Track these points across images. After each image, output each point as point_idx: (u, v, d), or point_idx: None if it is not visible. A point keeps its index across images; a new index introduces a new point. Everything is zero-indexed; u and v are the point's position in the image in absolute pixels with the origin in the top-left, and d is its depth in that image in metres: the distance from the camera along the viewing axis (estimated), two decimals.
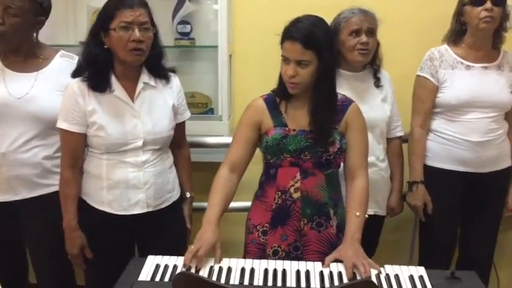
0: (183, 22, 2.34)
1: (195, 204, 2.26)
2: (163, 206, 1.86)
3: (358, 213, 1.62)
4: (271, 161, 1.70)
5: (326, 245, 1.68)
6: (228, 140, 2.29)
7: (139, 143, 1.77)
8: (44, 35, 2.18)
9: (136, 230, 1.85)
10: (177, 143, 1.96)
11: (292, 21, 1.59)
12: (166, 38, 2.33)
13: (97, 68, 1.74)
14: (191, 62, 2.46)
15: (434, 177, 2.15)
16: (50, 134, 1.88)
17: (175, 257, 1.54)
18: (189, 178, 2.01)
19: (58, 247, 1.98)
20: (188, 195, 2.00)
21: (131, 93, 1.78)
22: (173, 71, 1.89)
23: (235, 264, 1.50)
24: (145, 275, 1.44)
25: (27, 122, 1.83)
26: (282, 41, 1.58)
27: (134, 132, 1.76)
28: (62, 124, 1.76)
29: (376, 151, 2.06)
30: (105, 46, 1.72)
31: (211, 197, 1.64)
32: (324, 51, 1.56)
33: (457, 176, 2.12)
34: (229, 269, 1.47)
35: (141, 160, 1.78)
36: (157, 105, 1.81)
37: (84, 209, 1.82)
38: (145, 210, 1.81)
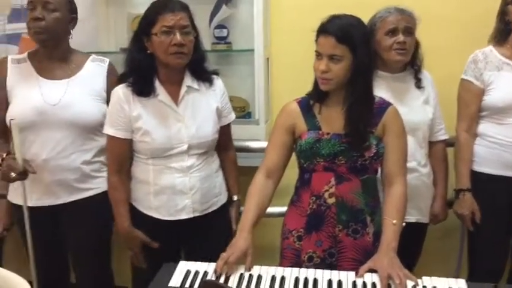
0: (220, 26, 2.34)
1: None
2: (210, 210, 1.86)
3: (394, 221, 1.56)
4: (305, 165, 1.66)
5: (362, 252, 1.62)
6: (265, 144, 2.28)
7: (184, 147, 1.77)
8: (85, 42, 2.25)
9: (182, 234, 1.85)
10: (223, 145, 1.96)
11: (328, 17, 1.56)
12: (204, 42, 2.35)
13: (141, 74, 1.75)
14: (228, 66, 2.45)
15: (482, 183, 2.03)
16: (87, 138, 1.92)
17: (207, 264, 1.53)
18: (236, 181, 2.00)
19: (98, 249, 2.05)
20: (235, 198, 2.00)
21: (175, 97, 1.78)
22: (216, 73, 1.89)
23: (266, 272, 1.47)
24: (175, 281, 1.44)
25: (64, 128, 1.87)
26: (317, 37, 1.56)
27: (178, 136, 1.76)
28: (108, 130, 1.79)
29: (418, 156, 1.97)
30: (148, 51, 1.73)
31: (246, 203, 1.63)
32: (358, 48, 1.52)
33: (506, 182, 2.00)
34: (259, 277, 1.45)
35: (187, 165, 1.78)
36: (201, 109, 1.81)
37: (134, 215, 1.84)
38: (191, 216, 1.82)
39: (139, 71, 1.75)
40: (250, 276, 1.45)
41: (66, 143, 1.88)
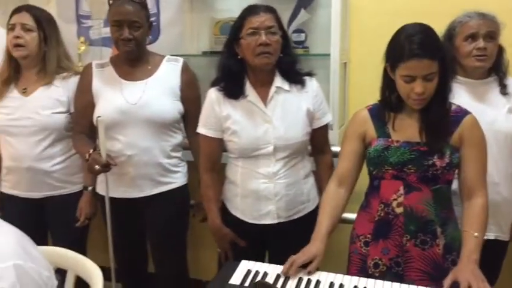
0: (298, 31, 2.35)
1: None
2: (295, 217, 1.87)
3: (476, 234, 1.49)
4: (374, 172, 1.64)
5: (430, 264, 1.57)
6: (339, 149, 2.26)
7: (270, 148, 1.79)
8: (171, 46, 2.36)
9: (267, 238, 1.88)
10: (319, 148, 1.95)
11: (404, 38, 1.50)
12: None
13: (231, 78, 1.82)
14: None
15: None
16: (165, 134, 2.03)
17: (267, 264, 1.55)
18: None
19: (176, 240, 2.15)
20: None
21: (264, 97, 1.81)
22: (310, 74, 1.88)
23: (325, 278, 1.47)
24: (236, 278, 1.47)
25: (144, 125, 1.99)
26: (401, 60, 1.49)
27: (265, 137, 1.79)
28: (200, 129, 1.88)
29: (501, 168, 1.85)
30: (239, 56, 1.79)
31: (319, 213, 1.64)
32: (444, 57, 1.49)
33: None
34: (317, 282, 1.44)
35: (273, 171, 1.80)
36: (290, 110, 1.82)
37: (224, 213, 1.92)
38: (275, 221, 1.84)
39: (230, 75, 1.81)
40: (309, 280, 1.45)
41: (147, 140, 1.99)
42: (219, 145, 1.88)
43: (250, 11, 1.77)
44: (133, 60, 2.04)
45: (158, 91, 2.01)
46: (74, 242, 2.11)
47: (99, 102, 2.02)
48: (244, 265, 1.55)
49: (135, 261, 2.27)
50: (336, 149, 2.23)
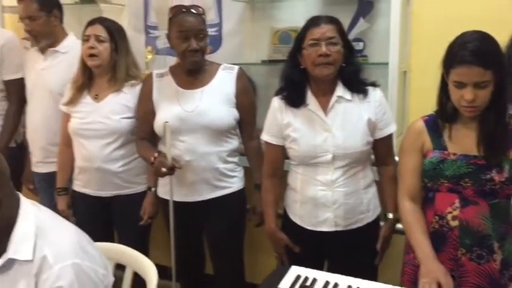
0: (357, 39, 2.35)
1: None
2: (354, 226, 1.85)
3: None
4: (428, 184, 1.62)
5: (486, 279, 1.53)
6: (396, 158, 2.24)
7: (329, 157, 1.80)
8: (231, 54, 2.44)
9: (326, 246, 1.88)
10: (381, 159, 1.93)
11: (458, 44, 1.49)
12: None
13: (293, 87, 1.86)
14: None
15: None
16: (222, 141, 2.08)
17: (317, 271, 1.56)
18: (392, 198, 1.87)
19: (233, 243, 2.21)
20: (390, 216, 1.91)
21: (325, 106, 1.82)
22: (374, 84, 1.88)
23: None
24: (285, 283, 1.49)
25: (201, 132, 2.05)
26: (452, 66, 1.49)
27: (324, 145, 1.80)
28: (264, 136, 1.95)
29: None
30: (301, 67, 1.82)
31: (412, 234, 1.61)
32: (500, 67, 1.46)
33: None
34: None
35: (331, 179, 1.81)
36: (350, 120, 1.82)
37: (285, 219, 1.96)
38: (333, 229, 1.84)
39: (292, 84, 1.85)
40: None
41: (204, 146, 2.06)
42: (281, 152, 1.93)
43: (312, 23, 1.80)
44: (192, 70, 2.11)
45: (214, 99, 2.08)
46: (137, 239, 2.23)
47: (159, 111, 2.11)
48: (295, 270, 1.57)
49: (193, 262, 2.33)
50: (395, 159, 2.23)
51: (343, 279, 1.50)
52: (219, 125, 2.06)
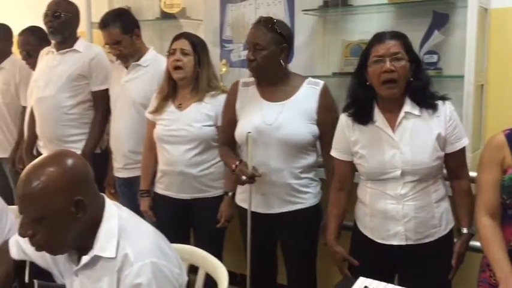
0: (430, 52, 2.32)
1: None
2: (426, 240, 1.82)
3: None
4: (508, 201, 1.57)
5: None
6: (472, 174, 2.17)
7: (398, 173, 1.78)
8: (303, 66, 2.48)
9: (397, 260, 1.87)
10: (453, 173, 1.89)
11: None
12: None
13: (359, 104, 1.86)
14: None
15: None
16: (297, 156, 2.10)
17: (385, 284, 1.55)
18: (467, 213, 1.86)
19: (308, 255, 2.23)
20: (465, 231, 1.87)
21: (392, 123, 1.81)
22: (444, 98, 1.83)
23: None
24: None
25: (277, 146, 2.08)
26: None
27: (392, 162, 1.79)
28: (333, 152, 1.97)
29: None
30: (367, 83, 1.81)
31: (492, 253, 1.58)
32: None
33: None
34: None
35: (401, 193, 1.79)
36: (420, 135, 1.79)
37: (354, 230, 1.98)
38: (404, 243, 1.82)
39: (359, 101, 1.86)
40: None
41: (277, 161, 2.08)
42: (350, 167, 1.93)
43: (376, 39, 1.79)
44: (274, 82, 2.15)
45: (294, 113, 2.08)
46: (213, 241, 2.33)
47: (240, 120, 2.19)
48: (362, 282, 1.58)
49: (266, 270, 2.36)
50: (470, 174, 2.17)
51: None
52: (295, 140, 2.07)
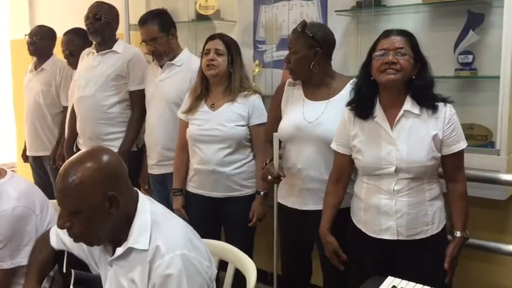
0: (465, 52, 2.29)
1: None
2: (418, 237, 1.85)
3: None
4: None
5: None
6: (506, 176, 2.14)
7: (392, 169, 1.82)
8: (335, 66, 2.49)
9: (389, 254, 1.89)
10: (450, 176, 1.90)
11: None
12: (447, 68, 2.36)
13: (362, 99, 1.91)
14: (473, 93, 2.37)
15: None
16: (332, 154, 2.11)
17: (413, 284, 1.56)
18: (461, 216, 1.88)
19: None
20: (458, 234, 1.87)
21: (392, 120, 1.85)
22: (445, 100, 1.85)
23: None
24: None
25: (316, 143, 2.12)
26: None
27: (388, 158, 1.83)
28: (333, 145, 2.01)
29: None
30: (372, 78, 1.86)
31: None
32: None
33: None
34: None
35: (394, 189, 1.83)
36: (417, 134, 1.83)
37: (350, 224, 2.00)
38: (395, 238, 1.86)
39: (362, 96, 1.91)
40: None
41: (316, 157, 2.12)
42: (348, 161, 1.97)
43: (383, 35, 1.85)
44: (316, 82, 2.18)
45: (336, 112, 2.09)
46: (243, 239, 2.36)
47: (284, 117, 2.23)
48: (390, 281, 1.58)
49: (300, 270, 2.37)
50: (504, 176, 2.13)
51: None
52: (332, 138, 2.07)
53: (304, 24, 2.13)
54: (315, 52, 2.12)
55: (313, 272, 2.38)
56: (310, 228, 2.20)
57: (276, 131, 2.23)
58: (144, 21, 2.66)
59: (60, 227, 1.40)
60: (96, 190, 1.34)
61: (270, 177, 2.13)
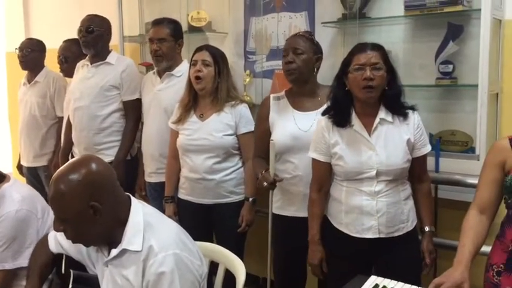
0: (446, 62, 2.39)
1: (443, 241, 2.26)
2: (395, 234, 1.97)
3: None
4: (509, 201, 1.63)
5: None
6: None
7: (373, 172, 1.93)
8: (322, 76, 2.56)
9: (370, 253, 1.99)
10: (417, 177, 2.06)
11: None
12: (429, 77, 2.46)
13: (339, 107, 2.00)
14: (453, 101, 2.47)
15: None
16: None
17: (395, 282, 1.64)
18: (428, 212, 2.07)
19: None
20: (427, 229, 2.05)
21: (369, 127, 1.96)
22: (413, 108, 2.00)
23: None
24: None
25: None
26: None
27: (369, 162, 1.94)
28: (312, 154, 2.08)
29: None
30: (346, 88, 1.96)
31: (461, 238, 1.68)
32: None
33: None
34: None
35: (375, 190, 1.94)
36: (392, 140, 1.95)
37: (328, 227, 2.08)
38: (377, 236, 1.96)
39: (339, 105, 2.00)
40: None
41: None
42: (328, 169, 2.05)
43: (358, 49, 1.95)
44: (304, 93, 2.29)
45: None
46: (234, 244, 2.34)
47: (275, 130, 2.32)
48: (373, 279, 1.67)
49: (295, 276, 2.43)
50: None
51: None
52: None
53: (309, 32, 2.30)
54: (317, 58, 2.26)
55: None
56: (307, 234, 2.27)
57: (265, 146, 2.30)
58: (159, 22, 2.76)
59: (56, 230, 1.50)
60: (77, 200, 1.42)
61: (265, 183, 2.20)
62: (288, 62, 2.23)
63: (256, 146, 2.41)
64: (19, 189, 1.90)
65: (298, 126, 2.25)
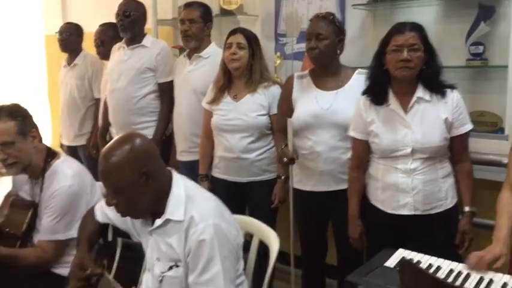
0: (476, 43, 2.41)
1: (479, 220, 2.25)
2: (432, 212, 2.02)
3: None
4: None
5: None
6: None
7: (408, 150, 1.98)
8: (354, 58, 2.61)
9: (405, 229, 2.04)
10: (457, 156, 2.07)
11: None
12: (459, 58, 2.49)
13: (377, 86, 2.06)
14: (483, 82, 2.49)
15: None
16: (349, 138, 2.26)
17: (422, 255, 1.70)
18: (468, 193, 2.06)
19: None
20: (467, 209, 2.06)
21: (405, 106, 2.01)
22: (452, 87, 2.02)
23: (500, 279, 1.54)
24: (390, 262, 1.66)
25: (332, 128, 2.28)
26: None
27: (404, 140, 1.99)
28: (351, 132, 2.16)
29: None
30: (384, 67, 2.02)
31: (497, 220, 1.73)
32: None
33: None
34: (490, 281, 1.53)
35: (411, 168, 1.99)
36: (429, 118, 1.99)
37: (367, 204, 2.16)
38: (412, 213, 2.01)
39: (376, 84, 2.06)
40: (481, 278, 1.55)
41: (334, 140, 2.28)
42: (366, 146, 2.11)
43: (396, 30, 1.99)
44: (327, 73, 2.34)
45: (346, 100, 2.26)
46: (266, 221, 2.46)
47: (297, 107, 2.38)
48: (401, 252, 1.73)
49: (317, 250, 2.53)
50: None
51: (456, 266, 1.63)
52: (348, 123, 2.22)
53: (332, 13, 2.31)
54: (339, 40, 2.30)
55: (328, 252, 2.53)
56: (326, 209, 2.37)
57: (287, 122, 2.38)
58: (190, 4, 2.87)
59: (108, 204, 1.60)
60: (132, 168, 1.53)
61: (285, 159, 2.28)
62: (311, 48, 2.28)
63: (279, 122, 2.48)
64: (70, 165, 2.03)
65: (320, 105, 2.30)
